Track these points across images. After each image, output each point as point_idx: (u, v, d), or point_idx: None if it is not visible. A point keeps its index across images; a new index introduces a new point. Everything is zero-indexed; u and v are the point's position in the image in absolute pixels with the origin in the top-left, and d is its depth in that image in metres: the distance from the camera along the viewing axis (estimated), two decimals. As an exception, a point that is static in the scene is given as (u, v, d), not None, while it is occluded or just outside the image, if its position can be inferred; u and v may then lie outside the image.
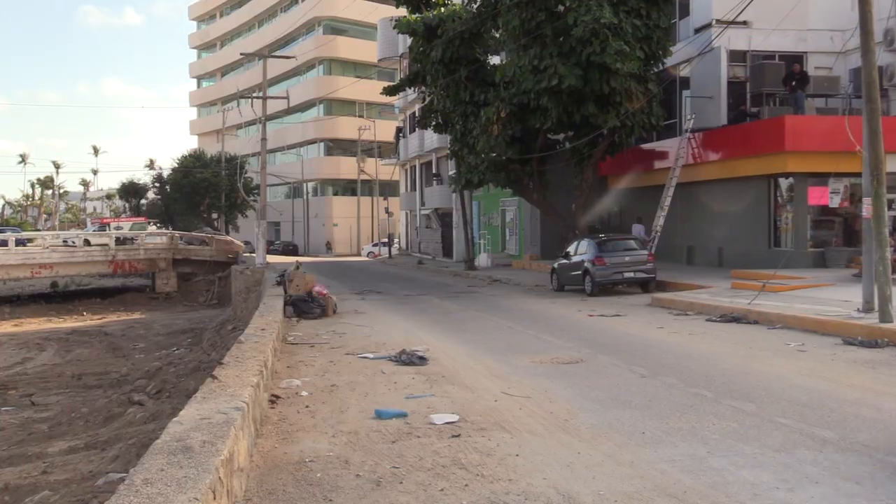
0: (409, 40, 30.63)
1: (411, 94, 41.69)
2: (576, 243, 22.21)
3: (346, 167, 72.54)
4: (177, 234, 45.55)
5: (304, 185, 76.13)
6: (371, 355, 11.38)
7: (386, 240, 55.27)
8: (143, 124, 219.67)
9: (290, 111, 64.29)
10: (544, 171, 27.44)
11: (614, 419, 7.29)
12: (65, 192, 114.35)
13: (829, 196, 21.64)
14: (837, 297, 15.09)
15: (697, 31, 25.36)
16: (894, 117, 20.99)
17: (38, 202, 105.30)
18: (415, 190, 53.67)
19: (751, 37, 24.18)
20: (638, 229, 26.07)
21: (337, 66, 75.74)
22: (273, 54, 50.08)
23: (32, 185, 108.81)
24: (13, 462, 10.88)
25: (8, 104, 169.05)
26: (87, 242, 41.82)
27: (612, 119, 22.66)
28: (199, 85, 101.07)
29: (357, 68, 72.59)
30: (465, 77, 26.91)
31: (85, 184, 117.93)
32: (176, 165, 65.71)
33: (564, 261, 22.15)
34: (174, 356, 20.87)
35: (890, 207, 17.60)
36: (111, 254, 40.30)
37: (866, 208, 12.96)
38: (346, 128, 72.11)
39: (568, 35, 21.56)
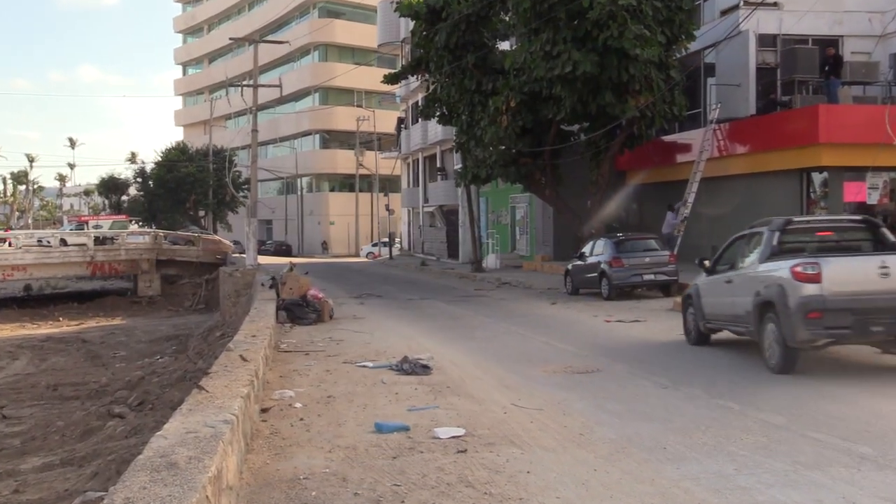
0: (411, 24, 30.66)
1: (414, 82, 41.70)
2: (591, 243, 22.20)
3: (344, 161, 72.58)
4: (161, 233, 45.63)
5: (299, 180, 76.22)
6: (370, 364, 11.40)
7: (386, 239, 55.32)
8: (124, 114, 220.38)
9: (282, 100, 64.56)
10: (557, 165, 27.41)
11: (633, 433, 7.28)
12: (39, 187, 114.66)
13: (867, 192, 21.57)
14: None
15: (723, 13, 25.30)
16: (938, 106, 20.91)
17: (11, 198, 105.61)
18: (418, 186, 53.70)
19: (782, 19, 24.09)
20: (672, 217, 25.90)
21: (333, 51, 75.82)
22: (265, 39, 50.17)
23: (4, 180, 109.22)
24: (-16, 479, 10.91)
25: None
26: (63, 242, 41.88)
27: (631, 109, 22.62)
28: (184, 72, 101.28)
29: (355, 54, 72.65)
30: (471, 64, 26.90)
31: (61, 179, 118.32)
32: (160, 159, 65.88)
33: (579, 262, 22.14)
34: (157, 365, 20.91)
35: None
36: (90, 254, 40.36)
37: (907, 205, 12.94)
38: (344, 118, 72.14)
39: (583, 18, 21.53)
